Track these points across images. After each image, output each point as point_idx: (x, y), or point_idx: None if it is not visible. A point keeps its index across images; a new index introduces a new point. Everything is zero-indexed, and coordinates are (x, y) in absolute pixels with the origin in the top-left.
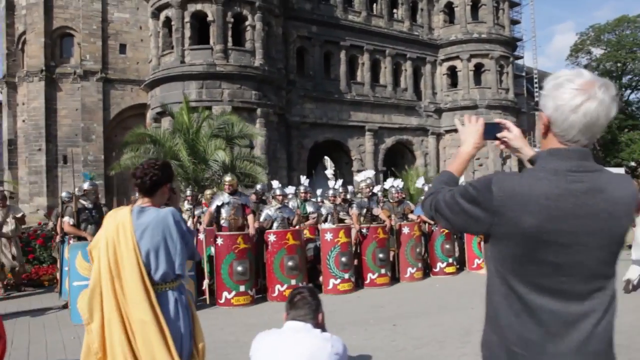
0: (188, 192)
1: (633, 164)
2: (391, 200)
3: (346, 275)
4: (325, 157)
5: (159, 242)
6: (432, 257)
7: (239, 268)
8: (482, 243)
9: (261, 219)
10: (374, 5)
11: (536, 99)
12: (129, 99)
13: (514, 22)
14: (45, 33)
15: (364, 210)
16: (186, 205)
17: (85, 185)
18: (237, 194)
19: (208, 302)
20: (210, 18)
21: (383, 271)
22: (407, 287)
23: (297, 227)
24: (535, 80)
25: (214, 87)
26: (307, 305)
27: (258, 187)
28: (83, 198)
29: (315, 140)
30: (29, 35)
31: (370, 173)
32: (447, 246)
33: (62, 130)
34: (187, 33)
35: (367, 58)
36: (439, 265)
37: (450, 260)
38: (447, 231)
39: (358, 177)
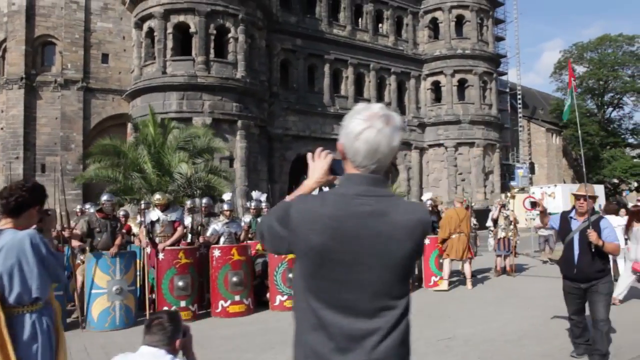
0: (142, 205)
1: (615, 180)
2: None
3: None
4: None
5: (13, 265)
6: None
7: (180, 283)
8: (439, 260)
9: (207, 234)
10: (359, 19)
11: (519, 114)
12: (110, 108)
13: (499, 39)
14: (27, 41)
15: None
16: (139, 218)
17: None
18: (169, 209)
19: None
20: (192, 30)
21: None
22: None
23: (244, 242)
24: (519, 97)
25: (195, 98)
26: (162, 331)
27: (204, 201)
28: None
29: (297, 152)
30: (9, 43)
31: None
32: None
33: (41, 139)
34: (170, 44)
35: (352, 72)
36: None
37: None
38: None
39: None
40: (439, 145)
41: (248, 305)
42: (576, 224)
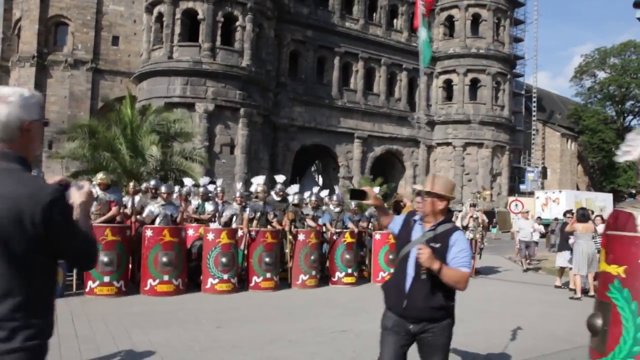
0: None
1: (633, 191)
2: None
3: (225, 276)
4: (317, 161)
5: None
6: (332, 266)
7: (105, 259)
8: (389, 256)
9: (144, 215)
10: (373, 14)
11: (533, 117)
12: (118, 90)
13: (517, 40)
14: (40, 20)
15: (258, 214)
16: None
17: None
18: (109, 189)
19: (75, 289)
20: (200, 16)
21: (268, 275)
22: (294, 294)
23: (180, 224)
24: (534, 99)
25: (199, 84)
26: None
27: (152, 182)
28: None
29: (302, 143)
30: (24, 22)
31: (261, 179)
32: (347, 256)
33: (50, 117)
34: (177, 29)
35: (362, 66)
36: (338, 274)
37: (350, 270)
38: (348, 241)
39: (254, 181)
40: (447, 144)
41: (177, 286)
42: (419, 232)
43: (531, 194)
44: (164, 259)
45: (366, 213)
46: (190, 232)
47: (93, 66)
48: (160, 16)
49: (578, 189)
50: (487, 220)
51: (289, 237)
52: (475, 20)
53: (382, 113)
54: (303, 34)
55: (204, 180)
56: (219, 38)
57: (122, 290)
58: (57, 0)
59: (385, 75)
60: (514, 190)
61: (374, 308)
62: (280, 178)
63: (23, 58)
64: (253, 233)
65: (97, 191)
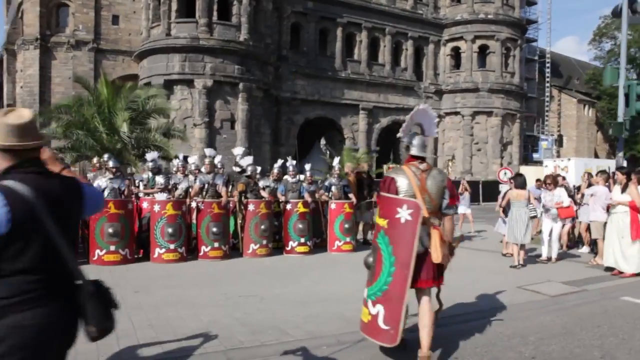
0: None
1: None
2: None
3: (171, 246)
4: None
5: None
6: (285, 235)
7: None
8: (345, 225)
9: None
10: None
11: (547, 84)
12: (120, 69)
13: (530, 4)
14: (41, 2)
15: (206, 185)
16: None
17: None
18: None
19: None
20: None
21: (216, 245)
22: (241, 262)
23: (128, 197)
24: (547, 65)
25: (197, 60)
26: None
27: (105, 157)
28: None
29: (306, 116)
30: (25, 5)
31: (211, 152)
32: (300, 226)
33: (56, 97)
34: (174, 6)
35: (365, 36)
36: (291, 244)
37: (303, 240)
38: (300, 211)
39: (206, 152)
40: (456, 113)
41: (124, 256)
42: None
43: (540, 163)
44: (109, 230)
45: (326, 182)
46: (145, 204)
47: (94, 46)
48: None
49: (597, 156)
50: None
51: (238, 207)
52: None
53: (388, 83)
54: (304, 6)
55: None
56: (215, 13)
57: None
58: None
59: (390, 45)
60: (527, 159)
61: (308, 275)
62: (238, 150)
63: (27, 41)
64: (200, 204)
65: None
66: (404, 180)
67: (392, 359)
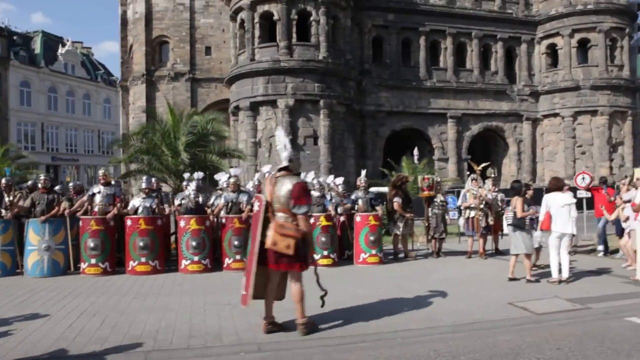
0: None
1: None
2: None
3: (195, 258)
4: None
5: None
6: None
7: (91, 244)
8: (370, 237)
9: (129, 208)
10: None
11: None
12: (214, 95)
13: None
14: (146, 42)
15: (230, 203)
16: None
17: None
18: (109, 185)
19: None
20: (276, 17)
21: (238, 257)
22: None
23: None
24: None
25: (279, 81)
26: None
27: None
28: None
29: (392, 128)
30: (135, 46)
31: (236, 171)
32: (323, 239)
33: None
34: (257, 33)
35: (450, 42)
36: (315, 256)
37: (326, 252)
38: (323, 224)
39: (231, 172)
40: (555, 115)
41: (154, 267)
42: None
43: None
44: (141, 244)
45: (352, 196)
46: (182, 223)
47: (190, 76)
48: (242, 22)
49: None
50: (492, 197)
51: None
52: None
53: (477, 89)
54: (384, 19)
55: (234, 171)
56: (294, 35)
57: (107, 271)
58: (159, 22)
59: (478, 49)
60: None
61: (330, 288)
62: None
63: (136, 77)
64: (223, 220)
65: (99, 186)
66: (265, 186)
67: None
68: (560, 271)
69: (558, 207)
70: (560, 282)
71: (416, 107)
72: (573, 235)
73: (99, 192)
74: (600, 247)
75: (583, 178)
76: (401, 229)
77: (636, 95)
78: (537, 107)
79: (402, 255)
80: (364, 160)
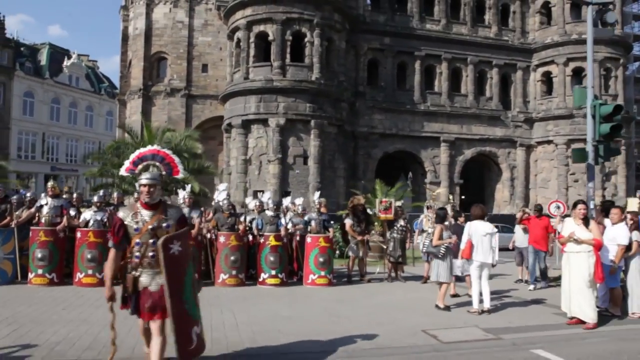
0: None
1: None
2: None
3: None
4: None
5: None
6: (258, 267)
7: (39, 255)
8: (319, 258)
9: (80, 220)
10: (460, 12)
11: None
12: (208, 112)
13: (637, 18)
14: (145, 58)
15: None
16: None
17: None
18: (58, 197)
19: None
20: (271, 37)
21: (234, 272)
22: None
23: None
24: None
25: (271, 100)
26: None
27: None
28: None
29: (384, 150)
30: (134, 61)
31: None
32: (271, 258)
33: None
34: (252, 52)
35: (446, 67)
36: (263, 275)
37: (274, 272)
38: (272, 244)
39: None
40: (549, 142)
41: (101, 279)
42: None
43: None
44: (89, 256)
45: (305, 217)
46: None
47: (186, 92)
48: (239, 41)
49: None
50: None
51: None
52: (576, 3)
53: (471, 114)
54: (380, 42)
55: (222, 186)
56: (288, 56)
57: (54, 281)
58: (158, 39)
59: (473, 75)
60: (636, 190)
61: (258, 307)
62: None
63: (133, 91)
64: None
65: (47, 198)
66: None
67: None
68: (481, 301)
69: (480, 236)
70: (482, 312)
71: (409, 130)
72: (493, 265)
73: (46, 204)
74: (531, 286)
75: (558, 207)
76: (355, 251)
77: (630, 125)
78: (531, 134)
79: (358, 277)
80: (355, 181)
